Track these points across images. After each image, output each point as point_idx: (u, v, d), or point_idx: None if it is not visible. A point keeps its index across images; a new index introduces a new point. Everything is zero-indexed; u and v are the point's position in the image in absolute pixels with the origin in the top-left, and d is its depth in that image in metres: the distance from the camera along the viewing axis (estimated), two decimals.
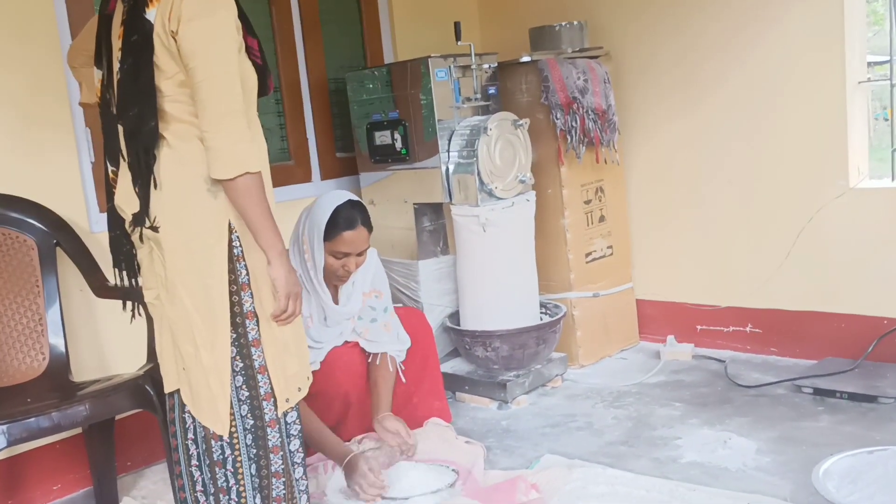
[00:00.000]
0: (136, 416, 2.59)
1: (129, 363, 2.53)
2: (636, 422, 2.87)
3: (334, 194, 2.56)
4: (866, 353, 3.03)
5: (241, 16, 1.80)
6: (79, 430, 2.60)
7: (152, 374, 2.31)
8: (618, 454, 2.62)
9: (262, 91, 1.91)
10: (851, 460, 2.14)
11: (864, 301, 3.13)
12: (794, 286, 3.30)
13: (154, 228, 1.80)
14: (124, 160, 1.83)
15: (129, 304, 2.15)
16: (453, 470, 2.48)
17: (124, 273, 2.00)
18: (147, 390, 2.27)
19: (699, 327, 3.59)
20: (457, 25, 3.20)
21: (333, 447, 2.51)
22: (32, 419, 2.08)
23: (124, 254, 1.98)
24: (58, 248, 2.58)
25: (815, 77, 3.13)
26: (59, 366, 2.50)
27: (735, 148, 3.38)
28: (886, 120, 3.42)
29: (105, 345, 2.79)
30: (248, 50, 1.83)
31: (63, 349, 2.52)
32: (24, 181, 2.59)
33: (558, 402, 3.15)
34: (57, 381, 2.45)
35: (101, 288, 2.57)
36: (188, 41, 1.69)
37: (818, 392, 2.91)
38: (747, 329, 3.46)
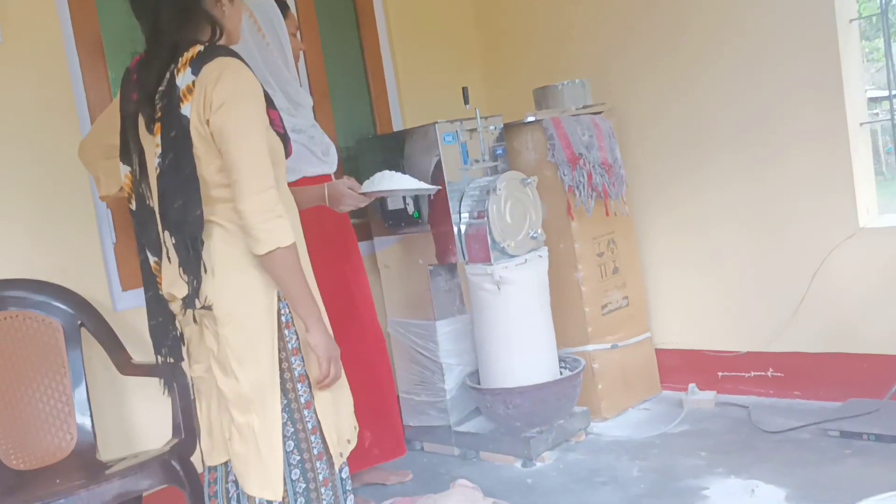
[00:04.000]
0: (165, 491, 2.60)
1: (156, 439, 2.56)
2: (661, 473, 2.85)
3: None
4: (890, 392, 3.01)
5: (263, 92, 1.88)
6: None
7: (179, 449, 2.35)
8: None
9: (285, 155, 2.01)
10: None
11: (885, 340, 3.12)
12: (812, 328, 3.30)
13: (207, 307, 1.87)
14: (166, 251, 1.91)
15: (161, 381, 2.20)
16: None
17: (168, 358, 2.05)
18: (174, 465, 2.30)
19: (720, 374, 3.58)
20: (464, 91, 3.29)
21: (311, 195, 2.47)
22: (62, 501, 2.10)
23: (170, 339, 2.03)
24: (82, 329, 2.63)
25: (817, 121, 3.18)
26: (87, 445, 2.53)
27: (743, 194, 3.42)
28: None
29: (131, 422, 2.83)
30: (272, 122, 1.92)
31: (90, 428, 2.56)
32: (48, 263, 2.66)
33: (583, 456, 3.14)
34: (85, 460, 2.48)
35: (125, 365, 2.62)
36: (221, 126, 1.78)
37: (844, 434, 2.89)
38: (769, 373, 3.45)
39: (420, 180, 2.65)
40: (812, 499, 2.47)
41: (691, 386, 3.54)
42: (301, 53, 3.14)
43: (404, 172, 3.28)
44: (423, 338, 3.36)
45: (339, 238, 2.93)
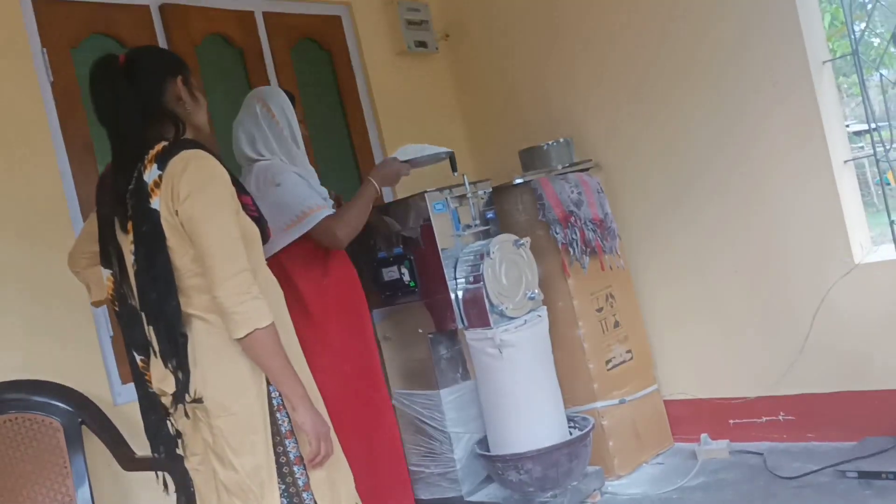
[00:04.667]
0: None
1: None
2: None
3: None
4: None
5: (233, 179, 1.92)
6: None
7: None
8: None
9: (264, 239, 2.03)
10: None
11: (893, 375, 3.09)
12: (819, 368, 3.27)
13: (197, 400, 1.87)
14: (152, 347, 1.91)
15: (160, 476, 2.17)
16: None
17: (163, 457, 2.03)
18: None
19: (732, 421, 3.53)
20: (451, 157, 3.33)
21: (365, 197, 2.87)
22: None
23: (163, 437, 2.02)
24: (83, 426, 2.60)
25: (801, 162, 3.21)
26: None
27: (736, 239, 3.43)
28: (888, 185, 3.48)
29: None
30: (245, 207, 1.95)
31: None
32: (47, 361, 2.64)
33: None
34: None
35: (128, 461, 2.58)
36: (190, 215, 1.81)
37: (863, 475, 2.84)
38: (780, 417, 3.40)
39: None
40: None
41: (703, 436, 3.49)
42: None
43: (398, 244, 3.32)
44: (429, 408, 3.32)
45: (359, 306, 2.97)
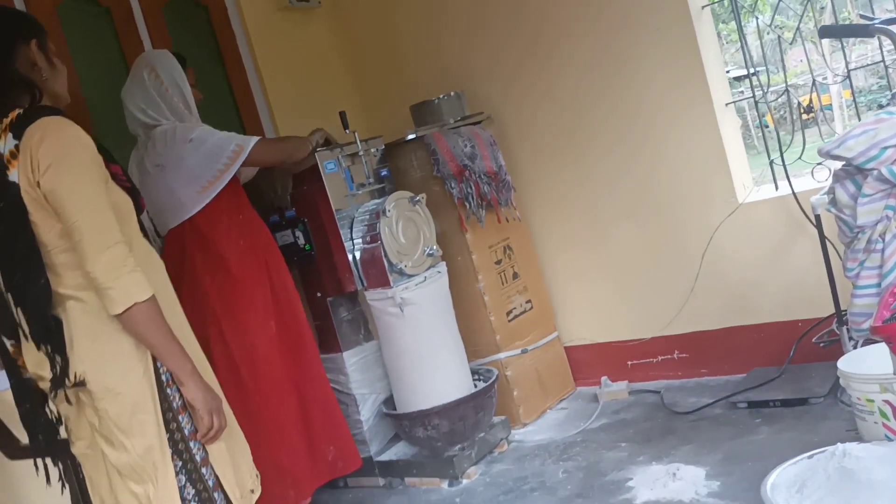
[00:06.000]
0: None
1: None
2: (587, 471, 2.86)
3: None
4: (789, 357, 3.12)
5: (100, 147, 1.81)
6: None
7: None
8: None
9: (138, 210, 1.93)
10: (795, 468, 2.16)
11: (778, 308, 3.24)
12: (710, 306, 3.39)
13: (79, 384, 1.77)
14: (22, 331, 1.79)
15: (41, 465, 2.05)
16: None
17: (43, 445, 1.93)
18: None
19: (630, 363, 3.64)
20: (342, 115, 3.24)
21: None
22: None
23: (41, 426, 1.91)
24: None
25: (684, 105, 3.28)
26: None
27: (625, 184, 3.49)
28: (767, 127, 3.60)
29: None
30: (114, 177, 1.84)
31: None
32: None
33: (508, 466, 3.12)
34: None
35: (12, 450, 2.43)
36: (52, 188, 1.70)
37: (752, 405, 2.98)
38: (675, 356, 3.53)
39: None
40: (731, 473, 2.52)
41: (604, 378, 3.58)
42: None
43: (290, 207, 3.24)
44: (333, 371, 3.27)
45: (279, 265, 2.96)
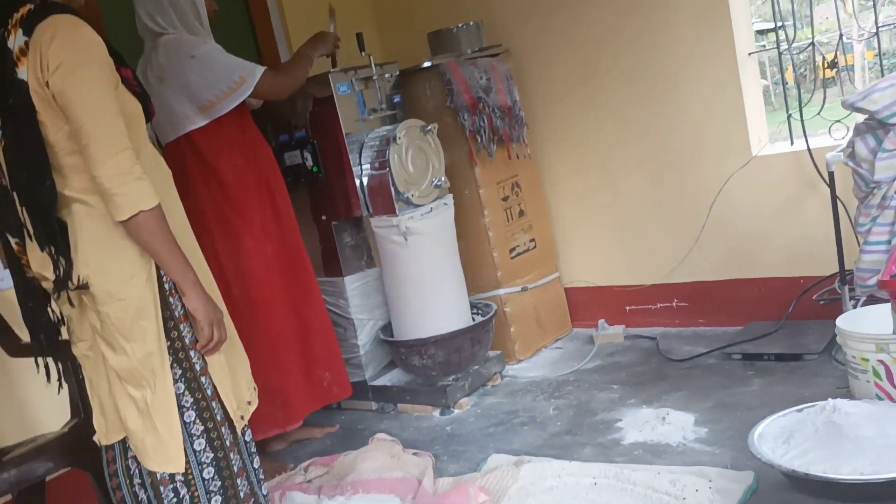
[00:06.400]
0: (68, 474, 2.49)
1: (53, 422, 2.43)
2: (577, 409, 2.90)
3: None
4: (787, 313, 3.13)
5: (111, 50, 1.77)
6: (9, 497, 2.49)
7: (79, 429, 2.24)
8: (563, 445, 2.64)
9: (147, 116, 1.91)
10: (784, 420, 2.19)
11: (781, 263, 3.24)
12: (713, 257, 3.39)
13: (83, 287, 1.78)
14: (27, 230, 1.79)
15: (42, 364, 2.08)
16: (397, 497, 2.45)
17: (44, 344, 1.95)
18: (75, 447, 2.19)
19: (628, 308, 3.66)
20: (359, 36, 3.19)
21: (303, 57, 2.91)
22: None
23: (42, 325, 1.93)
24: None
25: (706, 53, 3.22)
26: None
27: (640, 129, 3.45)
28: (786, 84, 3.53)
29: (26, 405, 2.68)
30: (125, 81, 1.82)
31: None
32: None
33: (500, 400, 3.16)
34: None
35: (13, 347, 2.46)
36: (61, 89, 1.67)
37: (746, 357, 3.00)
38: (674, 304, 3.54)
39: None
40: (720, 421, 2.55)
41: (601, 322, 3.60)
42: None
43: (301, 127, 3.20)
44: (333, 295, 3.29)
45: (279, 186, 2.93)
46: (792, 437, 2.09)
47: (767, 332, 3.10)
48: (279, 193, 2.91)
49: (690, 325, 3.51)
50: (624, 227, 3.62)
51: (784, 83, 3.53)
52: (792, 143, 3.21)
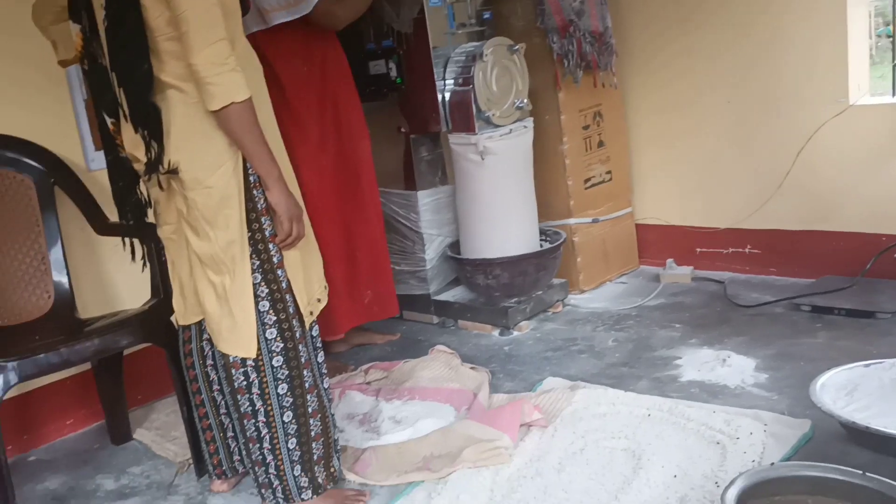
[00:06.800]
0: (144, 350, 2.63)
1: (134, 299, 2.55)
2: (636, 344, 2.91)
3: None
4: (864, 270, 3.05)
5: None
6: (88, 366, 2.64)
7: (158, 308, 2.35)
8: (619, 375, 2.66)
9: (244, 10, 1.94)
10: (848, 373, 2.16)
11: (863, 218, 3.14)
12: (793, 206, 3.30)
13: (172, 171, 1.84)
14: (122, 110, 1.84)
15: (128, 243, 2.19)
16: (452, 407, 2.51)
17: (131, 221, 2.04)
18: (154, 324, 2.30)
19: (698, 250, 3.61)
20: None
21: None
22: (42, 356, 2.11)
23: (131, 204, 2.02)
24: (56, 188, 2.57)
25: None
26: (65, 303, 2.53)
27: (734, 69, 3.34)
28: (889, 37, 3.36)
29: (109, 282, 2.82)
30: None
31: (67, 287, 2.55)
32: (18, 121, 2.56)
33: (559, 326, 3.19)
34: (63, 318, 2.48)
35: (102, 226, 2.58)
36: None
37: (816, 309, 2.94)
38: (746, 250, 3.48)
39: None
40: (781, 369, 2.53)
41: (669, 261, 3.57)
42: None
43: (388, 37, 3.16)
44: (405, 208, 3.33)
45: (347, 96, 2.88)
46: (856, 390, 2.06)
47: (841, 286, 3.03)
48: (347, 106, 2.87)
49: (761, 273, 3.45)
50: (704, 169, 3.54)
51: (894, 35, 3.36)
52: (894, 95, 3.07)
